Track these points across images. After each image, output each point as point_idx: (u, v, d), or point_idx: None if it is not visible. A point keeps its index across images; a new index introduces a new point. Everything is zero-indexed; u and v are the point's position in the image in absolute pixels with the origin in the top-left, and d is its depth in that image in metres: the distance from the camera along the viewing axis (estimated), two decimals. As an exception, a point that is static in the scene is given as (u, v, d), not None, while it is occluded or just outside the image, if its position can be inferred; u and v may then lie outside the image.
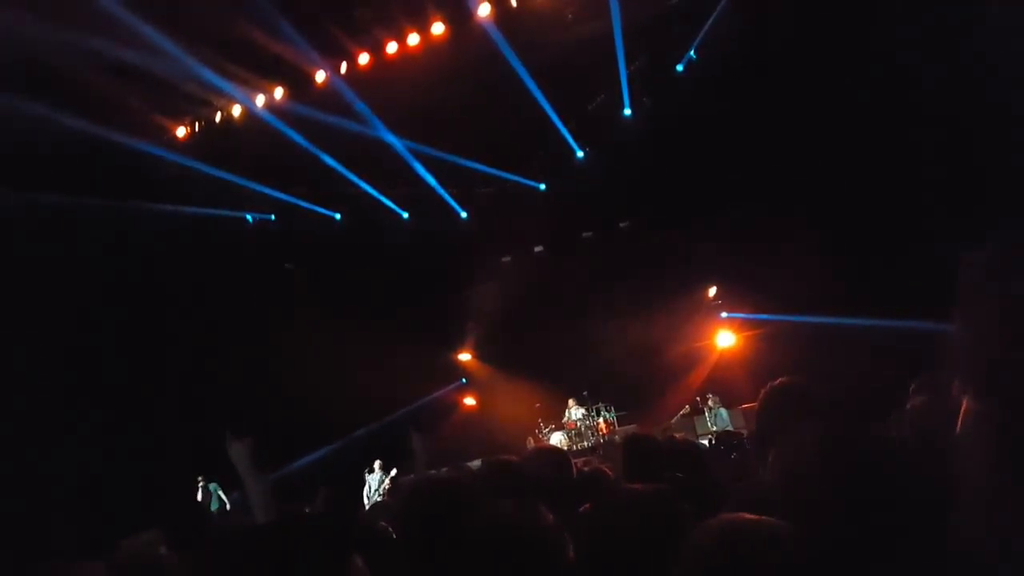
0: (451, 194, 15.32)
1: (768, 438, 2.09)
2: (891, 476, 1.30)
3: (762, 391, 2.27)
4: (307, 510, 8.59)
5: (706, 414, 13.14)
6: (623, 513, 1.96)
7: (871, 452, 1.33)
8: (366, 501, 12.54)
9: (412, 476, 11.89)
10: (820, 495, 1.30)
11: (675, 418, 13.52)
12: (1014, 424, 1.36)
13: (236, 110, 13.38)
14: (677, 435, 4.30)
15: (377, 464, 13.12)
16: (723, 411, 13.00)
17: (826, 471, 1.31)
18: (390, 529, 2.50)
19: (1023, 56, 7.48)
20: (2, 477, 8.79)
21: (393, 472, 12.70)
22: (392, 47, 12.52)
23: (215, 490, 12.20)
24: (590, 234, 15.78)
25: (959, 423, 1.53)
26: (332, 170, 13.96)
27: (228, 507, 12.29)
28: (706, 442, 9.93)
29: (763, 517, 1.37)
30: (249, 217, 15.27)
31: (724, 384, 13.83)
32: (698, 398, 13.47)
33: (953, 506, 1.43)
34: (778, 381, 2.25)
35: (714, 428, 12.56)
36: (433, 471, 11.20)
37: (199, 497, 12.40)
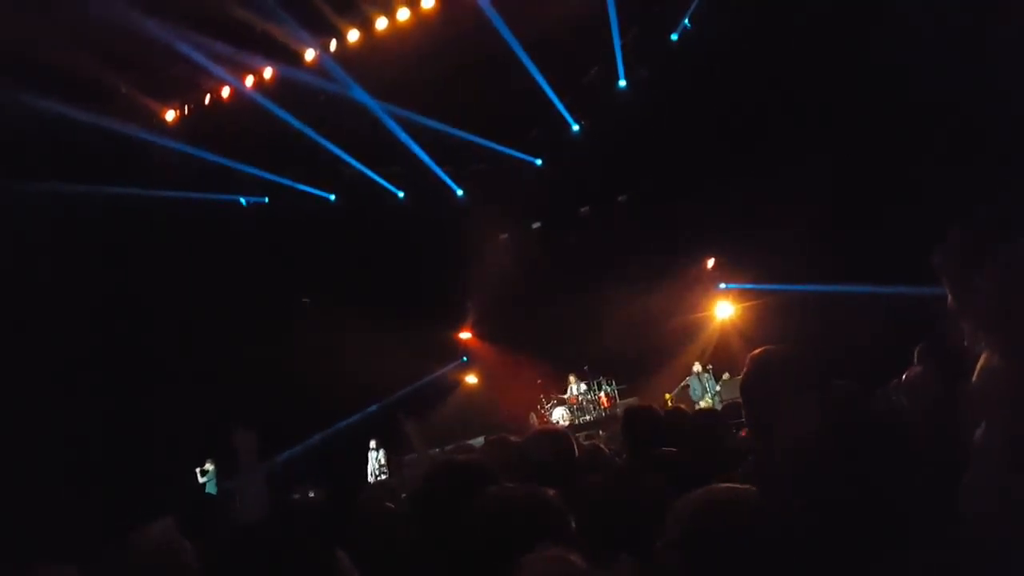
0: (446, 172, 15.19)
1: (760, 413, 1.97)
2: (897, 453, 1.27)
3: (747, 362, 2.11)
4: (311, 494, 8.59)
5: (690, 381, 13.11)
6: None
7: (877, 430, 1.29)
8: (371, 479, 12.65)
9: (414, 455, 11.89)
10: (825, 473, 1.26)
11: (675, 390, 13.53)
12: None
13: (225, 91, 13.20)
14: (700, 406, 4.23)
15: (373, 443, 13.23)
16: (705, 377, 12.94)
17: (831, 450, 1.28)
18: (391, 508, 2.48)
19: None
20: (2, 468, 8.77)
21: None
22: (382, 23, 12.33)
23: (211, 478, 12.06)
24: (587, 208, 15.67)
25: (975, 376, 1.50)
26: (325, 150, 13.82)
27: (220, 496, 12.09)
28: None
29: (738, 487, 1.44)
30: (243, 200, 15.15)
31: (724, 354, 13.82)
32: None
33: (961, 473, 1.40)
34: (760, 351, 2.10)
35: (700, 397, 12.58)
36: (436, 450, 11.22)
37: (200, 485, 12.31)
